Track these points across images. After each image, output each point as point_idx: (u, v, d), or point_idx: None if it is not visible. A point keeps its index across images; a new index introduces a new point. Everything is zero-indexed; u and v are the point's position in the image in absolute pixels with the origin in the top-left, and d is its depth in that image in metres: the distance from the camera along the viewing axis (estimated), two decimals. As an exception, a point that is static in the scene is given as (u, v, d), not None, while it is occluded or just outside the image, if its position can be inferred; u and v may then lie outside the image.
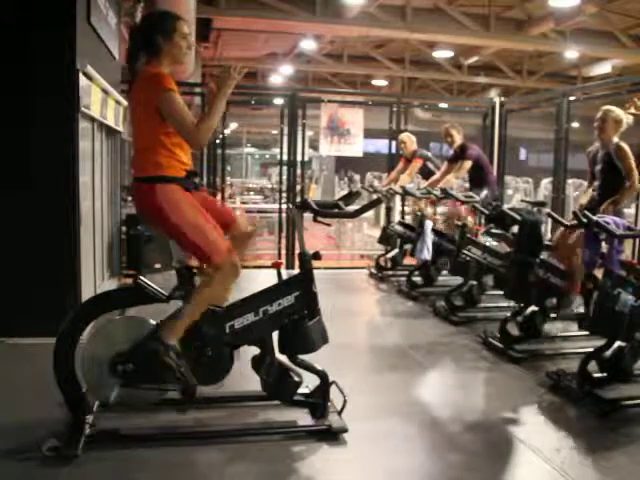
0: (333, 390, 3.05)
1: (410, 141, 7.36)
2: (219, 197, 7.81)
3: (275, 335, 3.00)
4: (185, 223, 2.78)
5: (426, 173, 7.23)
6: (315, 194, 16.42)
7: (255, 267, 7.44)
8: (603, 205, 4.42)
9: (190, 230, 2.79)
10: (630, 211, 5.75)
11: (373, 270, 7.48)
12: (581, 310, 4.30)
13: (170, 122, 2.73)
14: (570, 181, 10.25)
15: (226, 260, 2.83)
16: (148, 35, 2.85)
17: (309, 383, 3.09)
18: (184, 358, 2.83)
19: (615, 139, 4.47)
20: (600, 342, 3.48)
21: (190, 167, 2.91)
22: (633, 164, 4.41)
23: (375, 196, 7.06)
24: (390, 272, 7.24)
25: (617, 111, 4.51)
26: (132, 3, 6.74)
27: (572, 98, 6.92)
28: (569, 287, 4.36)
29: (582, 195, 4.91)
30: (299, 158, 7.93)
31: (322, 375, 3.02)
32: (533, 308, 4.28)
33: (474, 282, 5.35)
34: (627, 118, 4.52)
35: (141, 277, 2.93)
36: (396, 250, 7.19)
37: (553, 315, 4.47)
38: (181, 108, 2.72)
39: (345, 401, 3.03)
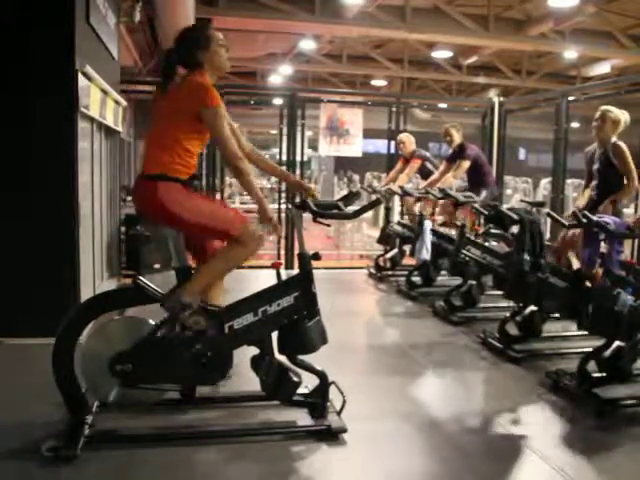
0: (332, 390, 3.05)
1: (409, 141, 7.36)
2: (218, 197, 7.81)
3: (274, 335, 3.00)
4: (191, 212, 2.83)
5: (425, 173, 7.23)
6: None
7: (254, 267, 7.44)
8: (602, 205, 4.41)
9: (198, 216, 2.84)
10: (629, 211, 5.75)
11: (372, 270, 7.48)
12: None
13: (211, 135, 2.85)
14: (569, 181, 10.25)
15: (246, 231, 2.87)
16: (188, 52, 2.93)
17: (308, 383, 3.10)
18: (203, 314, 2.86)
19: (613, 138, 4.47)
20: (599, 342, 3.49)
21: (193, 171, 2.96)
22: (631, 163, 4.40)
23: (374, 196, 7.06)
24: (389, 272, 7.24)
25: (616, 111, 4.51)
26: (131, 3, 6.73)
27: (571, 98, 6.92)
28: None
29: (580, 196, 4.90)
30: (298, 158, 7.93)
31: (321, 375, 3.02)
32: (532, 308, 4.28)
33: (473, 282, 5.36)
34: (625, 118, 4.52)
35: (140, 277, 2.93)
36: (395, 250, 7.19)
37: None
38: (223, 125, 2.82)
39: (344, 401, 3.03)
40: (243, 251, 2.92)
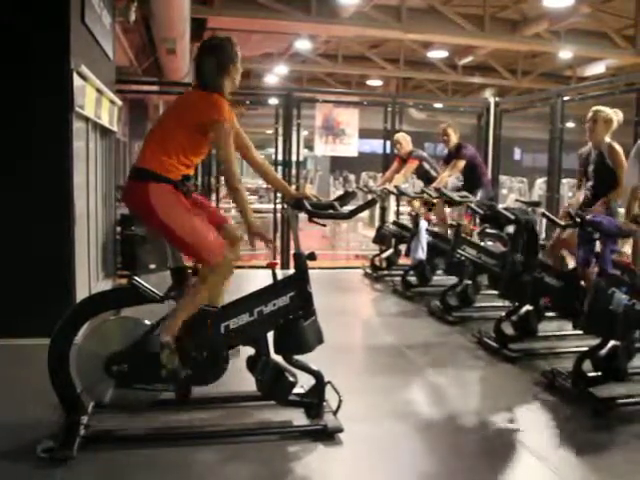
0: (328, 390, 3.05)
1: (405, 141, 7.31)
2: (214, 197, 7.81)
3: (270, 335, 3.00)
4: (177, 223, 2.81)
5: (422, 173, 7.22)
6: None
7: (250, 267, 7.44)
8: (595, 206, 4.42)
9: (182, 230, 2.82)
10: (622, 210, 5.76)
11: (368, 270, 7.48)
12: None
13: (215, 148, 2.88)
14: (564, 181, 10.28)
15: (219, 259, 2.86)
16: (222, 62, 2.97)
17: (304, 383, 3.09)
18: (178, 356, 2.84)
19: (607, 139, 4.47)
20: (594, 341, 3.50)
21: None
22: (624, 165, 4.41)
23: (370, 196, 7.06)
24: (385, 272, 7.25)
25: (607, 111, 4.50)
26: (126, 3, 6.72)
27: (566, 98, 6.94)
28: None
29: (575, 195, 4.90)
30: (294, 158, 7.92)
31: (317, 375, 3.02)
32: (528, 307, 4.29)
33: (469, 282, 5.36)
34: (618, 117, 4.52)
35: (136, 277, 2.93)
36: (391, 250, 7.19)
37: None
38: (228, 144, 2.85)
39: (340, 401, 3.03)
40: (214, 280, 2.89)
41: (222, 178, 8.55)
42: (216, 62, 2.96)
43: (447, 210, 6.49)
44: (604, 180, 4.48)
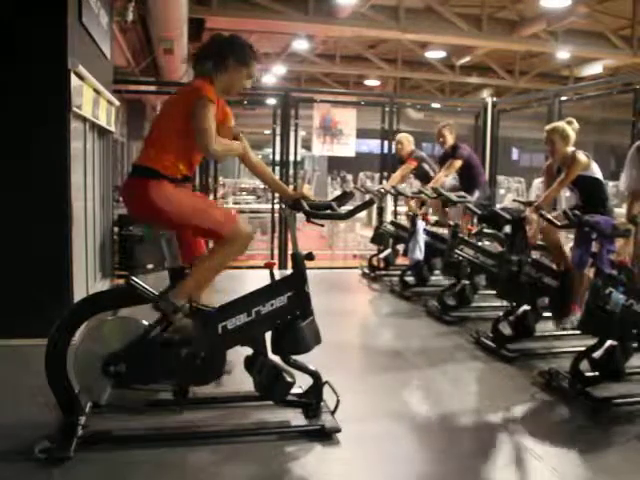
0: (326, 390, 3.05)
1: (407, 142, 7.20)
2: (211, 197, 7.80)
3: (268, 335, 2.99)
4: (182, 212, 2.83)
5: (421, 174, 7.20)
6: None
7: (248, 267, 7.44)
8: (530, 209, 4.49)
9: (189, 217, 2.84)
10: (621, 211, 5.77)
11: (366, 270, 7.48)
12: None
13: (192, 124, 2.76)
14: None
15: (235, 230, 2.87)
16: (223, 53, 2.92)
17: (302, 383, 3.09)
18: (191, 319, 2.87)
19: (570, 149, 4.45)
20: (592, 341, 3.50)
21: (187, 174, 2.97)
22: (573, 175, 4.39)
23: (367, 196, 7.05)
24: (383, 272, 7.25)
25: (560, 126, 4.51)
26: (123, 2, 6.71)
27: (564, 98, 6.95)
28: (567, 308, 4.37)
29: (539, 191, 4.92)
30: (292, 158, 7.92)
31: (315, 375, 3.02)
32: (525, 307, 4.30)
33: (466, 282, 5.37)
34: (573, 127, 4.53)
35: (133, 277, 2.92)
36: (389, 250, 7.20)
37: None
38: (208, 115, 2.74)
39: (338, 401, 3.03)
40: (232, 250, 2.92)
41: (221, 178, 8.57)
42: (217, 53, 2.92)
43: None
44: (585, 187, 4.47)
